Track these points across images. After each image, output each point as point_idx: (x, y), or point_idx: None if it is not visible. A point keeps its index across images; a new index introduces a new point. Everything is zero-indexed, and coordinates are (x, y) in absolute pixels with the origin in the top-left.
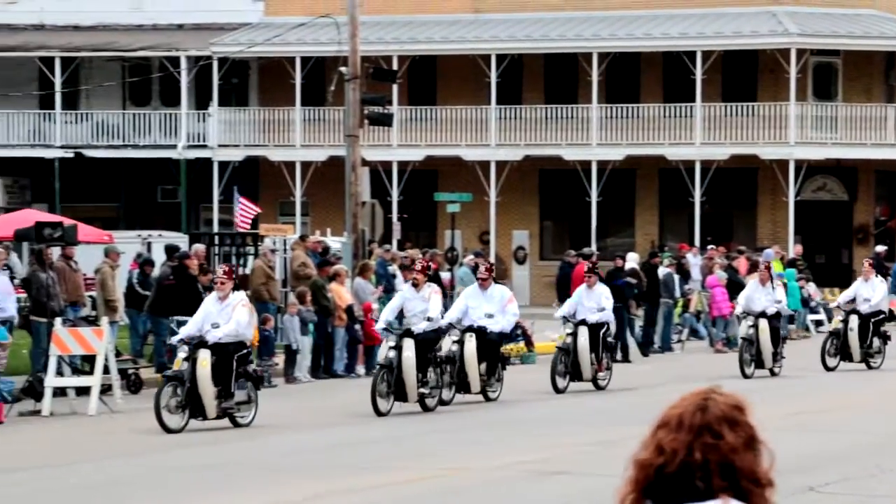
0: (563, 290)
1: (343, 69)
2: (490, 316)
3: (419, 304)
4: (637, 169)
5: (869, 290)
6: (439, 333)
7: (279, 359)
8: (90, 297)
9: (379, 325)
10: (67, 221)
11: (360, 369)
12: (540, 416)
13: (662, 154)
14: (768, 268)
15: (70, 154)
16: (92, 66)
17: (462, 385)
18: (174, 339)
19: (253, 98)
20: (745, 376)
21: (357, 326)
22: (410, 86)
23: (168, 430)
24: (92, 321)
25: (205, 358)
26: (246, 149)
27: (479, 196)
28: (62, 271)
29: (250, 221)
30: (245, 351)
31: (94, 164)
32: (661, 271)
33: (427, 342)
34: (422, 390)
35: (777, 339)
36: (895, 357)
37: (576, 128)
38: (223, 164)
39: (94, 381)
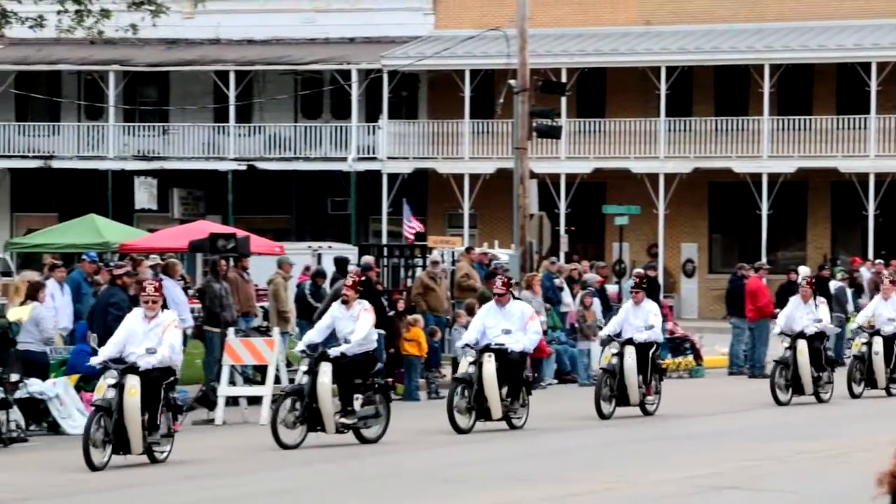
0: (734, 303)
1: (512, 82)
2: (507, 332)
3: (349, 324)
4: (808, 181)
5: (890, 310)
6: (373, 356)
7: (447, 370)
8: (262, 307)
9: (297, 347)
10: (240, 233)
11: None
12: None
13: (835, 167)
14: (810, 283)
15: (243, 166)
16: (265, 80)
17: (482, 411)
18: (94, 361)
19: (422, 111)
20: (779, 403)
21: None
22: (579, 98)
23: (93, 468)
24: (264, 332)
25: (134, 385)
26: (415, 161)
27: (647, 209)
28: (235, 282)
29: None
30: (172, 378)
31: (267, 177)
32: (833, 285)
33: (356, 365)
34: (343, 420)
35: (819, 362)
36: None
37: (746, 140)
38: (392, 177)
39: (265, 390)
